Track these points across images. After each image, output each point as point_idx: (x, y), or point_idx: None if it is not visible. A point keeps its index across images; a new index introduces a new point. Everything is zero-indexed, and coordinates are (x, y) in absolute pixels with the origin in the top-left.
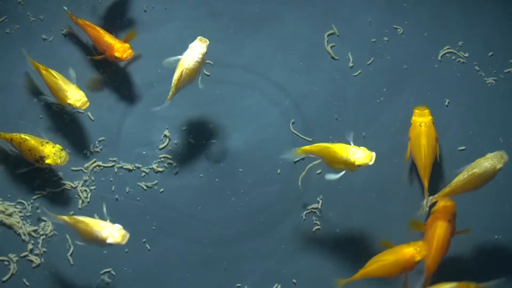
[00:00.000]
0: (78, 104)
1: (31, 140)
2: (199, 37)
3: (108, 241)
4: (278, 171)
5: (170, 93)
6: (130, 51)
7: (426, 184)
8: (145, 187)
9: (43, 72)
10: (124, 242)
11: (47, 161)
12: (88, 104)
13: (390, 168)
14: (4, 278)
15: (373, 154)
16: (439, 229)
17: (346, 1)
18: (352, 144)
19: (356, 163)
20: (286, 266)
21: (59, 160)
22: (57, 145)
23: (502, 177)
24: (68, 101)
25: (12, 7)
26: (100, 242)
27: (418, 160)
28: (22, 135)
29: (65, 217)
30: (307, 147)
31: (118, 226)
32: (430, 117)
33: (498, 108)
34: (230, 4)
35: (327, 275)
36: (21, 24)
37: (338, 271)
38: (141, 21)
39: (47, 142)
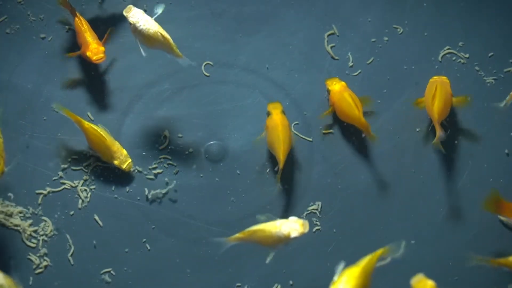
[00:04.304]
0: (123, 166)
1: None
2: (124, 11)
3: (293, 235)
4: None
5: (176, 52)
6: (102, 55)
7: (435, 116)
8: (145, 187)
9: (86, 126)
10: (307, 230)
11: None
12: (132, 165)
13: (390, 168)
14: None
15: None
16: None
17: (346, 1)
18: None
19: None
20: (286, 266)
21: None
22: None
23: (502, 176)
24: (115, 162)
25: (12, 7)
26: (284, 240)
27: (429, 99)
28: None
29: (237, 235)
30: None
31: (293, 218)
32: (448, 81)
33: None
34: (230, 4)
35: (327, 276)
36: (21, 24)
37: None
38: None
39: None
